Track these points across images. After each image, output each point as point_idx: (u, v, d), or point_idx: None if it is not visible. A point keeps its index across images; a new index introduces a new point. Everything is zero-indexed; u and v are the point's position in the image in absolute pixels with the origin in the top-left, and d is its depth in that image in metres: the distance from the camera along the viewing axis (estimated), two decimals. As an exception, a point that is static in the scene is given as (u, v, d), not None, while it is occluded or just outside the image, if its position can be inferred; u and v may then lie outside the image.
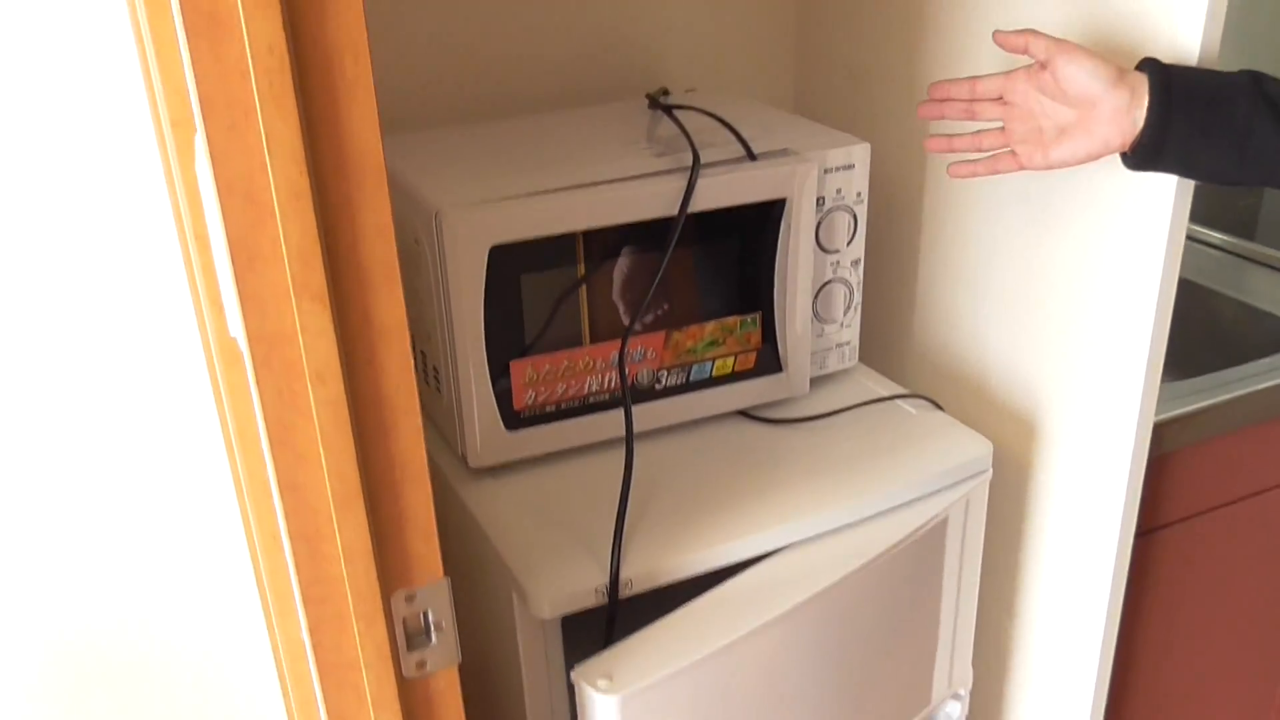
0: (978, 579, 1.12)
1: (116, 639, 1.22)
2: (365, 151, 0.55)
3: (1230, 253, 1.53)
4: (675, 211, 0.99)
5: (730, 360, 1.09)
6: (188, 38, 0.49)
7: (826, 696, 1.00)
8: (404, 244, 0.98)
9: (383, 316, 0.59)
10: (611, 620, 0.90)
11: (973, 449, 1.07)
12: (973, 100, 0.98)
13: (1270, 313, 1.40)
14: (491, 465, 1.03)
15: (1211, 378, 1.23)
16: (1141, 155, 0.89)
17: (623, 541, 0.92)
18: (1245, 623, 1.37)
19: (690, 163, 1.01)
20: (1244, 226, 1.65)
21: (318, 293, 0.54)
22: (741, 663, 0.91)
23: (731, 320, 1.08)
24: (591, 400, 1.04)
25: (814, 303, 1.11)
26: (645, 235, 1.01)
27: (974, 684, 1.19)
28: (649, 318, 1.05)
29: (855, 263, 1.12)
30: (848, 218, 1.09)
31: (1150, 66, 0.88)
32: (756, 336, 1.10)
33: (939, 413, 1.13)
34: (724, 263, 1.07)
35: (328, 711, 0.64)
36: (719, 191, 1.01)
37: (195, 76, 0.50)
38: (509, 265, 0.96)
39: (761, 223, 1.05)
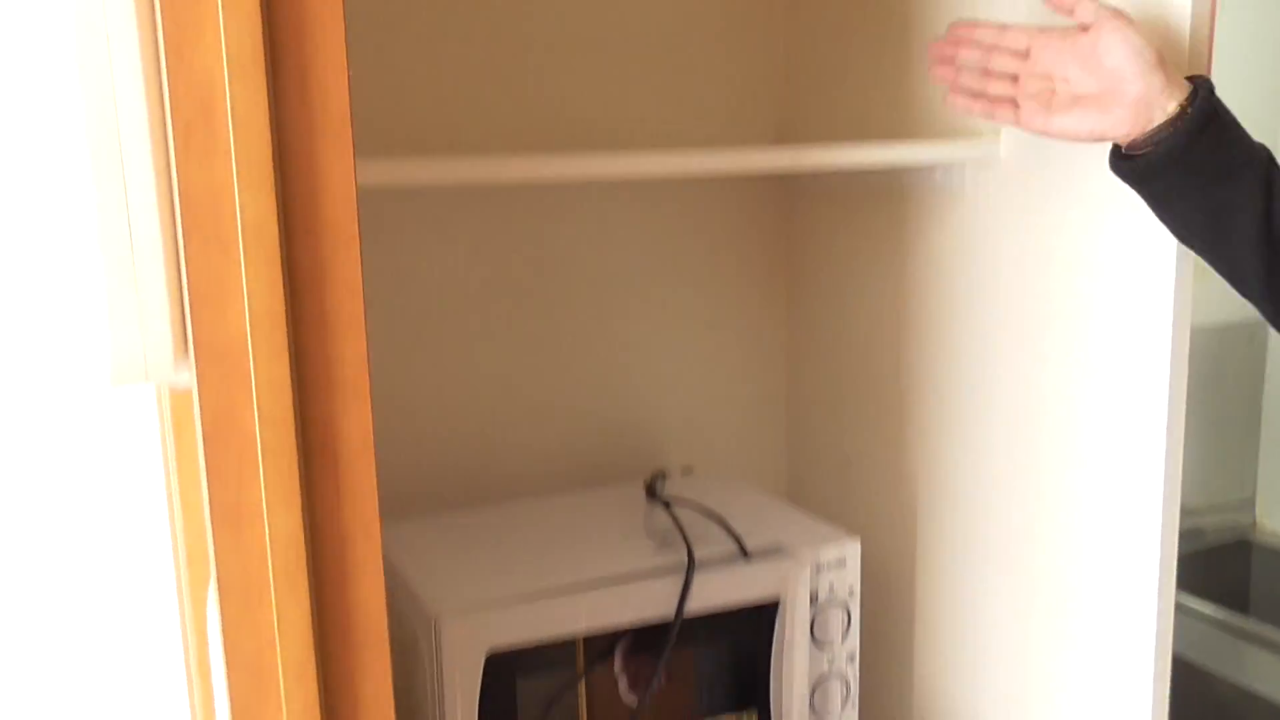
0: None
1: None
2: (370, 627, 0.57)
3: (1224, 628, 1.53)
4: (672, 613, 1.01)
5: (726, 759, 1.07)
6: (214, 531, 0.53)
7: None
8: (402, 640, 0.99)
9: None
10: None
11: None
12: (994, 47, 0.93)
13: (1269, 699, 1.38)
14: None
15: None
16: (1143, 164, 0.85)
17: None
18: None
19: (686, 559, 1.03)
20: (1236, 598, 1.66)
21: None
22: None
23: (728, 718, 1.07)
24: (584, 805, 1.02)
25: (811, 698, 1.10)
26: (643, 632, 1.01)
27: None
28: (645, 717, 1.04)
29: (850, 657, 1.12)
30: (841, 613, 1.10)
31: (1203, 84, 0.84)
32: (753, 734, 1.08)
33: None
34: (720, 660, 1.07)
35: None
36: (714, 592, 1.03)
37: (216, 562, 0.53)
38: (505, 669, 0.96)
39: (756, 618, 1.06)
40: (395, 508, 1.05)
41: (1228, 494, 1.81)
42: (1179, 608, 1.00)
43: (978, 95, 0.95)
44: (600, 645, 1.01)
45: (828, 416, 1.40)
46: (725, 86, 1.38)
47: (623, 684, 1.03)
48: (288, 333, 0.56)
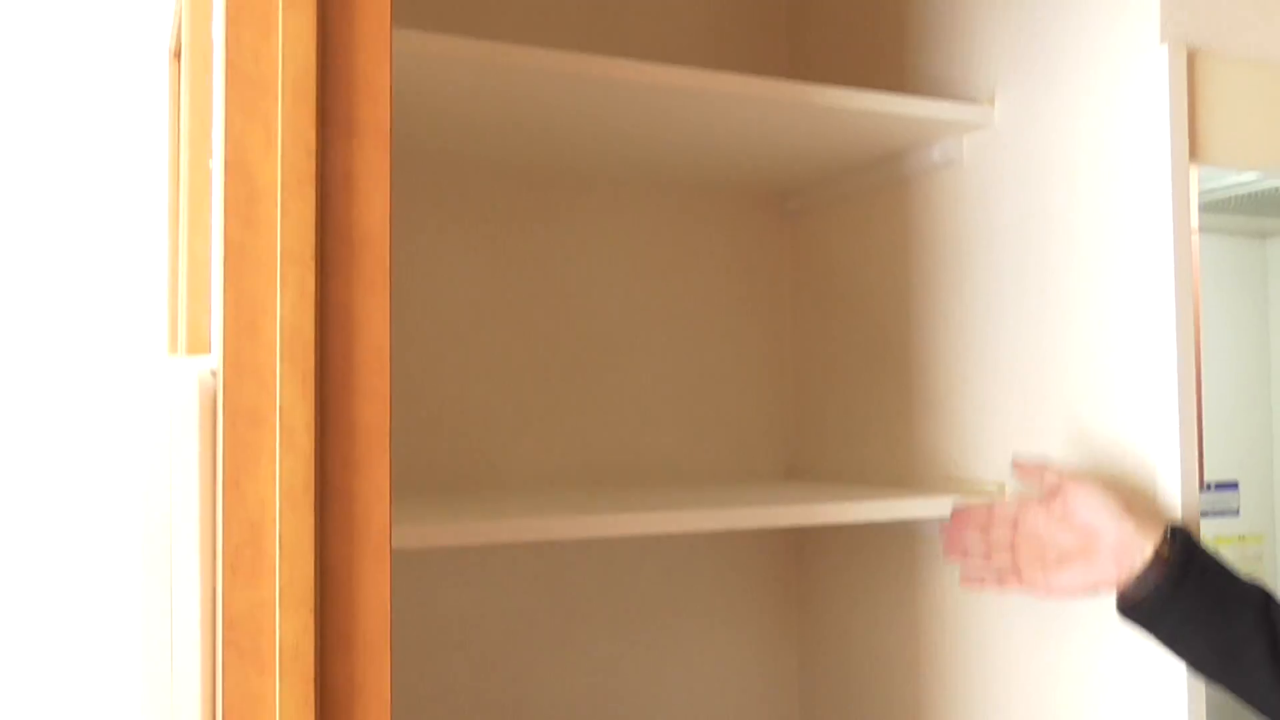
0: None
1: None
2: None
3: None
4: None
5: None
6: None
7: None
8: None
9: None
10: None
11: None
12: (989, 524, 1.01)
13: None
14: None
15: None
16: (1145, 609, 0.88)
17: None
18: None
19: None
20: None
21: None
22: None
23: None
24: None
25: None
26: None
27: None
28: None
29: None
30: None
31: (1179, 532, 0.89)
32: None
33: None
34: None
35: None
36: None
37: None
38: None
39: None
40: None
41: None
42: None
43: (983, 577, 1.03)
44: None
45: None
46: (738, 420, 1.44)
47: None
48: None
